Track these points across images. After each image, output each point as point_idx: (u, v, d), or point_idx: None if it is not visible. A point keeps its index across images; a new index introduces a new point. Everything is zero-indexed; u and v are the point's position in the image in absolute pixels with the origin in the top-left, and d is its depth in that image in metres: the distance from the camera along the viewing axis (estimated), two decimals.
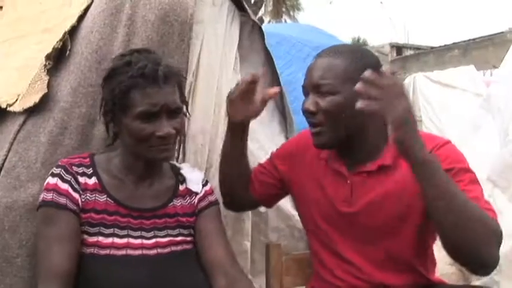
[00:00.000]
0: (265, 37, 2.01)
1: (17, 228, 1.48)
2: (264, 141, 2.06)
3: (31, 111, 1.62)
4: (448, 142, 1.49)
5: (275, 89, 1.60)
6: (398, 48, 13.83)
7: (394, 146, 1.43)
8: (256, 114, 1.62)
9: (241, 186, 1.70)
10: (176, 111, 1.39)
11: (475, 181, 1.41)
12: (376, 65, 1.45)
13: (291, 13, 19.76)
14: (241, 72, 2.04)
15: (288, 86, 3.99)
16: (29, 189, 1.50)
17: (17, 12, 2.02)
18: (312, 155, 1.60)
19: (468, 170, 1.42)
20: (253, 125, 2.04)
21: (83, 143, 1.56)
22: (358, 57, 1.46)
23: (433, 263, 1.58)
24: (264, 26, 4.68)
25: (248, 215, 1.93)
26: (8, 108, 1.65)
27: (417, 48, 13.76)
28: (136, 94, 1.34)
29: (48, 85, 1.63)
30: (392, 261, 1.50)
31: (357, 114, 1.42)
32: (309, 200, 1.61)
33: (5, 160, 1.57)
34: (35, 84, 1.64)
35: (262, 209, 2.00)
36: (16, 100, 1.67)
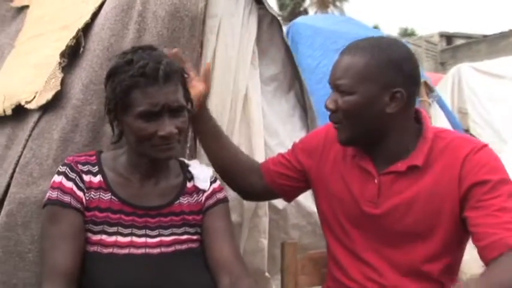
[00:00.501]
0: (283, 31, 1.95)
1: (29, 223, 1.50)
2: (284, 136, 2.02)
3: (46, 109, 1.64)
4: (485, 146, 1.40)
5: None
6: (448, 38, 13.41)
7: (426, 148, 1.38)
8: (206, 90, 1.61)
9: (241, 173, 1.66)
10: (178, 110, 1.37)
11: None
12: (398, 60, 1.37)
13: (337, 3, 19.47)
14: (260, 67, 2.01)
15: (323, 78, 3.93)
16: (40, 186, 1.52)
17: (42, 9, 2.05)
18: (338, 150, 1.55)
19: (507, 181, 1.33)
20: (272, 119, 2.02)
21: (93, 140, 1.56)
22: (376, 54, 1.37)
23: (456, 274, 1.48)
24: (299, 18, 4.60)
25: (265, 212, 1.90)
26: (25, 106, 1.68)
27: (468, 37, 13.29)
28: (137, 94, 1.32)
29: (63, 82, 1.65)
30: (414, 269, 1.42)
31: (377, 114, 1.38)
32: (331, 197, 1.55)
33: (20, 156, 1.60)
34: (50, 82, 1.67)
35: (281, 205, 1.97)
36: (34, 97, 1.70)
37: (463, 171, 1.36)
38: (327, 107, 1.44)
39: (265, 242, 1.89)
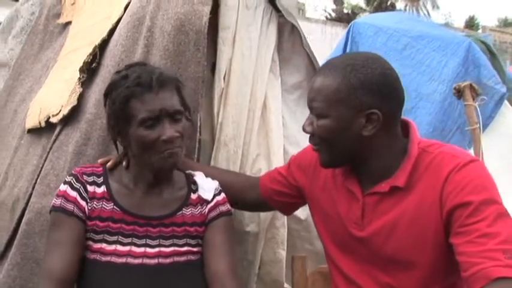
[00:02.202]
0: (303, 38, 1.91)
1: (45, 232, 1.60)
2: (305, 145, 1.97)
3: (65, 122, 1.74)
4: (471, 161, 1.28)
5: None
6: None
7: (409, 166, 1.30)
8: None
9: (235, 193, 1.64)
10: (176, 115, 1.41)
11: (502, 215, 1.19)
12: (372, 81, 1.29)
13: None
14: (283, 76, 1.99)
15: None
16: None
17: (78, 26, 2.16)
18: (329, 170, 1.49)
19: (491, 201, 1.21)
20: (294, 128, 1.99)
21: (103, 153, 1.63)
22: (348, 76, 1.29)
23: None
24: (361, 18, 4.48)
25: (283, 223, 1.88)
26: (50, 119, 1.79)
27: None
28: (135, 103, 1.38)
29: (81, 97, 1.73)
30: None
31: (354, 137, 1.32)
32: (323, 216, 1.51)
33: (41, 168, 1.71)
34: (71, 97, 1.76)
35: (303, 216, 1.94)
36: (60, 111, 1.81)
37: (444, 192, 1.26)
38: (304, 130, 1.39)
39: (283, 253, 1.87)
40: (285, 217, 1.88)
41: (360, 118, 1.30)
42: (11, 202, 1.85)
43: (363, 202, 1.38)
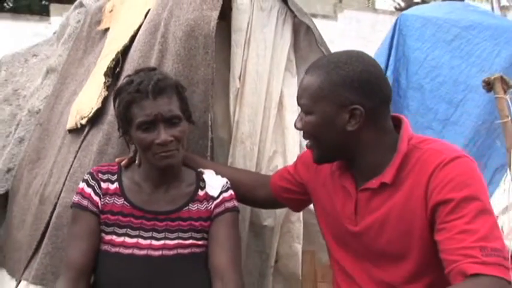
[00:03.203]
0: (318, 37, 1.95)
1: None
2: None
3: (92, 123, 1.89)
4: (457, 158, 1.28)
5: None
6: None
7: (397, 162, 1.32)
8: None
9: (245, 191, 1.72)
10: (173, 120, 1.51)
11: (483, 212, 1.20)
12: (353, 77, 1.33)
13: None
14: (300, 74, 2.04)
15: (431, 71, 3.75)
16: None
17: (113, 32, 2.31)
18: (328, 167, 1.54)
19: (473, 198, 1.21)
20: None
21: (122, 152, 1.75)
22: (330, 73, 1.34)
23: None
24: (410, 9, 4.40)
25: (299, 218, 1.94)
26: (80, 121, 1.94)
27: None
28: (135, 108, 1.51)
29: (105, 100, 1.87)
30: (397, 287, 1.37)
31: (339, 133, 1.36)
32: (323, 212, 1.56)
33: (71, 165, 1.87)
34: (98, 100, 1.91)
35: None
36: (89, 113, 1.96)
37: (429, 189, 1.27)
38: (295, 126, 1.45)
39: (299, 246, 1.93)
40: (301, 212, 1.93)
41: (343, 114, 1.34)
42: (53, 197, 2.04)
43: (356, 198, 1.42)
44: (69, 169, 1.87)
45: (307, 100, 1.38)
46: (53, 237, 1.78)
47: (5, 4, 13.12)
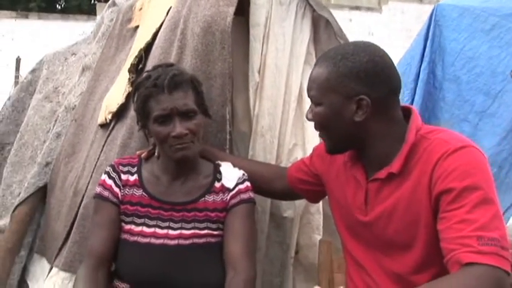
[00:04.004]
0: (336, 31, 1.95)
1: None
2: None
3: (117, 118, 1.96)
4: (463, 147, 1.28)
5: None
6: None
7: (404, 153, 1.33)
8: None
9: (263, 183, 1.76)
10: (189, 113, 1.57)
11: (484, 202, 1.20)
12: (359, 68, 1.34)
13: None
14: None
15: (468, 63, 3.67)
16: None
17: (142, 29, 2.38)
18: (341, 158, 1.56)
19: (475, 188, 1.21)
20: None
21: (144, 146, 1.82)
22: (338, 64, 1.37)
23: None
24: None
25: (318, 209, 1.95)
26: (107, 115, 2.02)
27: None
28: (152, 102, 1.57)
29: (129, 96, 1.94)
30: (404, 278, 1.38)
31: (347, 123, 1.38)
32: (336, 202, 1.58)
33: (98, 158, 1.95)
34: (123, 95, 1.98)
35: None
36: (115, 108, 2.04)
37: (433, 178, 1.28)
38: (306, 117, 1.48)
39: (318, 237, 1.95)
40: (321, 203, 1.95)
41: (351, 104, 1.36)
42: (84, 189, 2.13)
43: (366, 188, 1.44)
44: (96, 162, 1.95)
45: (316, 91, 1.41)
46: (80, 227, 1.87)
47: (57, 5, 13.60)
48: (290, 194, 1.79)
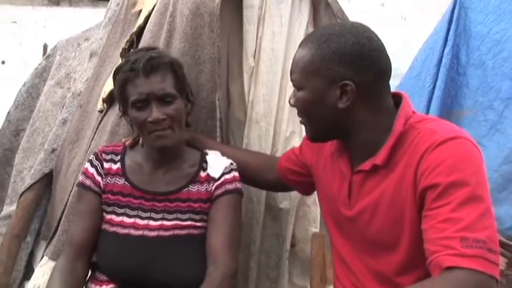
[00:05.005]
0: (338, 12, 1.84)
1: None
2: None
3: (109, 105, 1.91)
4: (452, 138, 1.16)
5: None
6: None
7: (391, 143, 1.23)
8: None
9: (253, 173, 1.69)
10: (166, 98, 1.50)
11: (471, 199, 1.09)
12: (344, 51, 1.24)
13: None
14: None
15: (494, 46, 3.50)
16: None
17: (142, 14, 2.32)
18: (331, 145, 1.47)
19: (462, 184, 1.10)
20: None
21: (131, 133, 1.76)
22: (321, 47, 1.26)
23: None
24: None
25: (315, 201, 1.87)
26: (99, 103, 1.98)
27: None
28: (129, 86, 1.52)
29: None
30: (388, 279, 1.29)
31: (330, 110, 1.29)
32: (323, 194, 1.50)
33: (89, 146, 1.91)
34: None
35: None
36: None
37: (418, 173, 1.17)
38: (289, 103, 1.39)
39: (315, 230, 1.86)
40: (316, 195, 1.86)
41: (335, 90, 1.26)
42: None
43: (350, 180, 1.34)
44: (87, 149, 1.91)
45: (298, 75, 1.31)
46: (70, 215, 1.84)
47: None
48: (282, 185, 1.70)
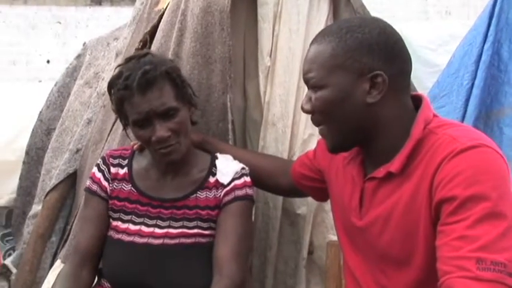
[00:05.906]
0: (355, 8, 1.74)
1: None
2: None
3: None
4: (473, 147, 1.04)
5: None
6: None
7: (408, 149, 1.13)
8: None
9: (266, 177, 1.61)
10: (168, 112, 1.42)
11: (490, 216, 0.97)
12: (371, 40, 1.13)
13: None
14: None
15: None
16: None
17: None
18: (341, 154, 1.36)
19: (481, 198, 0.98)
20: None
21: None
22: (344, 38, 1.14)
23: None
24: None
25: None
26: None
27: None
28: (127, 105, 1.44)
29: None
30: None
31: (358, 107, 1.16)
32: (334, 202, 1.40)
33: (103, 148, 1.88)
34: None
35: None
36: None
37: (434, 183, 1.05)
38: (302, 109, 1.25)
39: (333, 238, 1.77)
40: None
41: (363, 83, 1.14)
42: None
43: (361, 188, 1.24)
44: (101, 152, 1.88)
45: (318, 72, 1.18)
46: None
47: None
48: (296, 191, 1.61)
